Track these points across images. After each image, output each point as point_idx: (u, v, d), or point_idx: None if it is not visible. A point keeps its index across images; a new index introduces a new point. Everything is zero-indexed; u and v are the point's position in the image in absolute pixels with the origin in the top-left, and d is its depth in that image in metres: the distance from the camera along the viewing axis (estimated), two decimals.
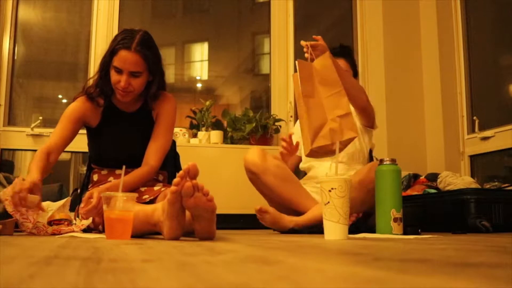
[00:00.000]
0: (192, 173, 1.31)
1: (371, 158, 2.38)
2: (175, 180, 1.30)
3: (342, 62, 2.28)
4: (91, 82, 1.99)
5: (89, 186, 2.05)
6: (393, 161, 1.76)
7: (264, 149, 2.25)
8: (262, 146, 2.65)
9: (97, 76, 1.94)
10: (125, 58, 1.83)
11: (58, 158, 1.94)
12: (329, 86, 1.82)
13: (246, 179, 2.25)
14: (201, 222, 1.37)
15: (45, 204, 1.73)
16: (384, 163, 1.76)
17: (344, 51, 2.41)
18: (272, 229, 2.19)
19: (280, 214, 2.08)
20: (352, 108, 2.04)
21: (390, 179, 1.73)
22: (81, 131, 2.04)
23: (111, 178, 1.98)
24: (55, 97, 4.08)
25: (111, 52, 1.86)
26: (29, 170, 1.76)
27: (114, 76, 1.87)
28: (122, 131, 2.00)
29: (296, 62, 1.90)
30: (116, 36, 1.89)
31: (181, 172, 1.31)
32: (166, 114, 2.01)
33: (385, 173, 1.74)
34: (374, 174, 1.77)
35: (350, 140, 1.80)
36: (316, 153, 1.84)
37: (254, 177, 2.21)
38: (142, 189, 1.90)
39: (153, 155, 1.93)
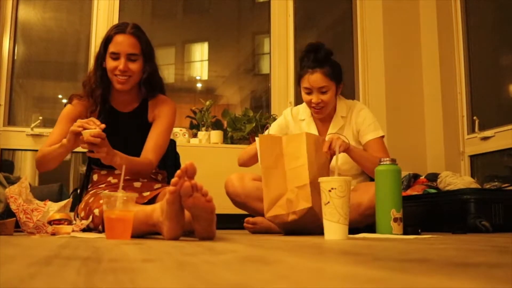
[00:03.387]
0: (190, 172, 1.31)
1: None
2: (174, 180, 1.29)
3: (318, 77, 2.09)
4: (89, 79, 2.00)
5: (89, 186, 2.05)
6: (393, 161, 1.76)
7: (242, 173, 2.22)
8: None
9: (92, 71, 1.97)
10: (121, 40, 1.88)
11: None
12: (294, 160, 1.86)
13: None
14: (200, 222, 1.37)
15: (46, 204, 1.73)
16: (384, 163, 1.76)
17: (318, 58, 2.12)
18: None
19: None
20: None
21: (390, 179, 1.73)
22: None
23: (110, 178, 1.98)
24: (55, 97, 4.08)
25: (106, 41, 1.91)
26: (57, 146, 1.79)
27: (111, 63, 1.90)
28: (119, 130, 2.00)
29: (256, 138, 1.94)
30: (109, 30, 1.95)
31: (178, 171, 1.30)
32: (164, 117, 2.00)
33: (385, 173, 1.74)
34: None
35: (304, 210, 1.79)
36: (271, 221, 1.90)
37: (239, 205, 2.22)
38: (138, 184, 1.92)
39: (151, 152, 1.92)
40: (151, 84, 1.99)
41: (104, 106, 2.00)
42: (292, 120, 2.32)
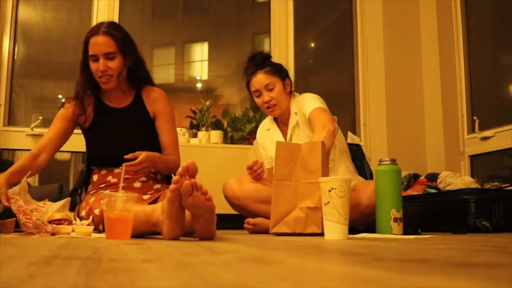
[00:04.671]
0: (191, 171, 1.31)
1: (362, 154, 2.36)
2: (175, 178, 1.30)
3: (260, 77, 2.20)
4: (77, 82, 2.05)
5: (89, 187, 2.05)
6: (393, 161, 1.76)
7: (240, 177, 2.23)
8: None
9: (78, 76, 2.01)
10: (96, 42, 1.92)
11: (49, 158, 2.00)
12: (309, 174, 1.81)
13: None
14: (200, 222, 1.37)
15: (46, 204, 1.73)
16: (384, 163, 1.76)
17: (256, 63, 2.26)
18: None
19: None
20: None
21: (390, 179, 1.73)
22: (80, 132, 2.06)
23: (109, 178, 1.99)
24: (55, 97, 4.08)
25: (84, 46, 1.95)
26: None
27: (92, 66, 1.94)
28: (116, 127, 2.02)
29: (276, 143, 1.90)
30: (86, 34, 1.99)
31: (180, 169, 1.31)
32: (164, 109, 2.06)
33: (385, 173, 1.74)
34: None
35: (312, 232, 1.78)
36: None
37: (238, 208, 2.22)
38: (138, 184, 1.94)
39: (171, 149, 2.01)
40: (138, 78, 2.04)
41: (98, 105, 2.02)
42: (262, 137, 2.38)
